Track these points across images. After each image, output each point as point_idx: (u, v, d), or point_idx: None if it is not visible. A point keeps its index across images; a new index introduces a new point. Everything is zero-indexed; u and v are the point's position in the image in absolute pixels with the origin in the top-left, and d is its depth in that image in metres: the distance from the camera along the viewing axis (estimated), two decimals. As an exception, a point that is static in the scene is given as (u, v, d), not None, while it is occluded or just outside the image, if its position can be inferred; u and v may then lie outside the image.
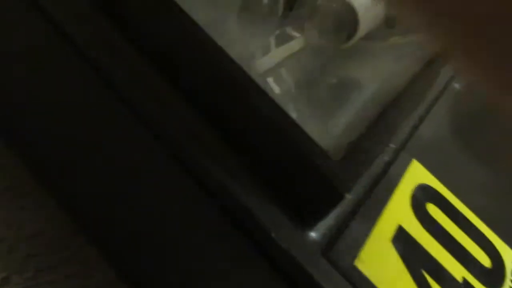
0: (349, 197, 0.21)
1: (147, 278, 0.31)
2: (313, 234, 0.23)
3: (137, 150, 0.27)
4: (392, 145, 0.28)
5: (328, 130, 0.29)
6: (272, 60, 0.39)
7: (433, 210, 0.30)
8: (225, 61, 0.24)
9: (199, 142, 0.23)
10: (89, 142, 0.30)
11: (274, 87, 0.37)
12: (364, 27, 0.41)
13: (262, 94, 0.23)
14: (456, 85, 0.41)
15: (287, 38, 0.41)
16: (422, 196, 0.30)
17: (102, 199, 0.32)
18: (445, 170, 0.33)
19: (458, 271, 0.28)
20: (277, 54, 0.39)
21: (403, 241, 0.27)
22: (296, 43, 0.40)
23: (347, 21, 0.41)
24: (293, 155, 0.21)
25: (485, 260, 0.30)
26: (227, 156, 0.23)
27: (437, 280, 0.26)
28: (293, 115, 0.26)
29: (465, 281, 0.28)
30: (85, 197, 0.34)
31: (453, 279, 0.28)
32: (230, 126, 0.23)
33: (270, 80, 0.37)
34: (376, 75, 0.41)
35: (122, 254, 0.33)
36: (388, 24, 0.48)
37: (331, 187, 0.21)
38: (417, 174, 0.31)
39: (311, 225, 0.23)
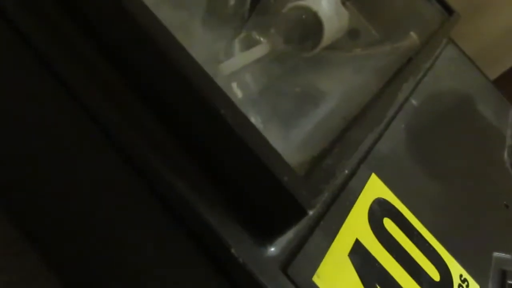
0: (311, 214, 0.21)
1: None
2: (272, 249, 0.23)
3: (95, 161, 0.25)
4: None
5: (291, 142, 0.29)
6: (237, 64, 0.38)
7: (389, 224, 0.30)
8: (190, 65, 0.22)
9: (160, 151, 0.22)
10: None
11: (237, 92, 0.37)
12: (328, 37, 0.41)
13: (227, 100, 0.22)
14: (414, 102, 0.42)
15: (252, 42, 0.41)
16: (379, 211, 0.30)
17: (47, 203, 0.30)
18: (401, 185, 0.33)
19: (409, 285, 0.29)
20: (242, 58, 0.39)
21: (359, 255, 0.27)
22: (261, 49, 0.40)
23: (313, 30, 0.41)
24: (258, 168, 0.21)
25: (434, 274, 0.31)
26: (189, 168, 0.22)
27: (390, 295, 0.27)
28: (256, 123, 0.25)
29: (415, 295, 0.29)
30: (28, 199, 0.32)
31: (404, 293, 0.28)
32: (192, 135, 0.22)
33: (233, 84, 0.37)
34: (339, 87, 0.41)
35: (68, 262, 0.31)
36: (352, 35, 0.49)
37: (295, 203, 0.20)
38: (376, 188, 0.31)
39: (271, 240, 0.22)
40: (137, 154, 0.22)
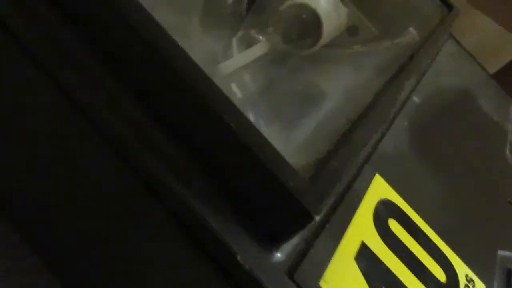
0: (318, 219, 0.21)
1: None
2: (278, 255, 0.22)
3: (96, 165, 0.25)
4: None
5: (294, 143, 0.28)
6: (236, 64, 0.37)
7: (394, 225, 0.30)
8: (190, 69, 0.22)
9: (162, 157, 0.21)
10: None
11: (236, 93, 0.36)
12: (327, 34, 0.41)
13: (229, 104, 0.22)
14: (415, 99, 0.41)
15: (251, 41, 0.40)
16: (384, 212, 0.30)
17: (47, 205, 0.30)
18: (405, 184, 0.33)
19: (416, 287, 0.29)
20: (241, 58, 0.38)
21: (365, 258, 0.27)
22: (260, 48, 0.39)
23: (311, 27, 0.40)
24: (262, 173, 0.20)
25: (440, 275, 0.31)
26: (191, 174, 0.22)
27: (397, 297, 0.27)
28: (257, 125, 0.24)
29: (422, 296, 0.28)
30: (27, 203, 0.31)
31: (411, 295, 0.28)
32: (194, 140, 0.22)
33: (233, 85, 0.36)
34: (340, 85, 0.41)
35: (69, 265, 0.31)
36: (350, 32, 0.49)
37: (301, 208, 0.20)
38: (380, 189, 0.31)
39: (276, 246, 0.22)
40: (140, 161, 0.21)
